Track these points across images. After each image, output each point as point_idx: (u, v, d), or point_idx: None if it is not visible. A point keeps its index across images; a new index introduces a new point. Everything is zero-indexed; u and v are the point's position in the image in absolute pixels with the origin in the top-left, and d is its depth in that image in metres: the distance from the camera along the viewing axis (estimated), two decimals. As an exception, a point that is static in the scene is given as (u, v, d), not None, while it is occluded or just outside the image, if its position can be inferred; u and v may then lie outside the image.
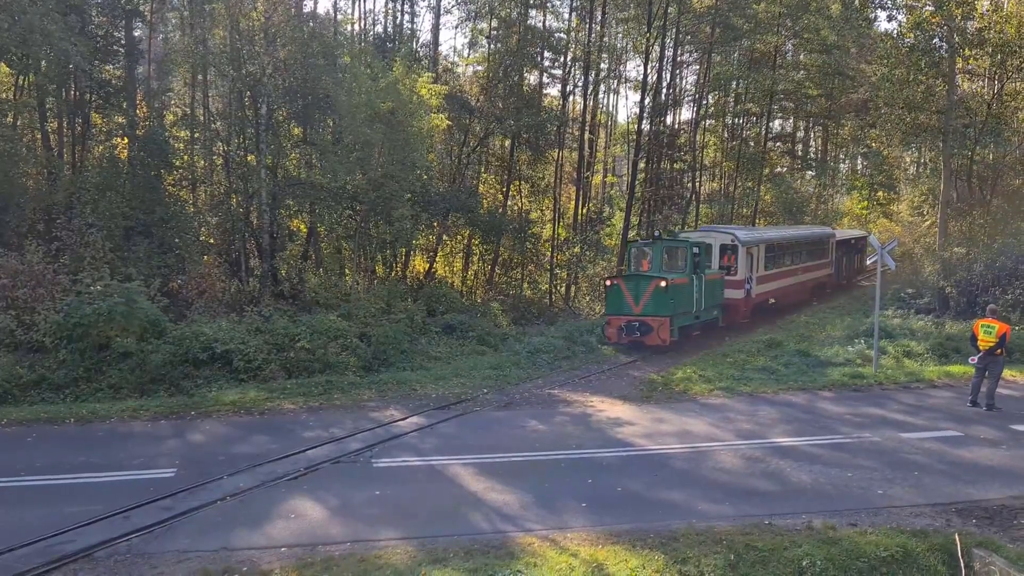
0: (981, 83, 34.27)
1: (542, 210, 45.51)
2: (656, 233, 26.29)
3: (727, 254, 28.45)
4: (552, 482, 12.47)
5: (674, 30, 42.60)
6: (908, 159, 46.54)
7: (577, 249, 39.80)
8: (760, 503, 11.78)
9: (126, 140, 27.52)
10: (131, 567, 9.51)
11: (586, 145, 44.92)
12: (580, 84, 44.36)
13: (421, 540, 10.27)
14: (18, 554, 9.73)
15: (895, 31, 32.11)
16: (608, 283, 24.96)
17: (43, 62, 23.37)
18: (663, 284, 23.09)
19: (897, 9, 34.18)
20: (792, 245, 33.62)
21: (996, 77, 31.39)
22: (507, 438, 14.95)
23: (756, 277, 29.25)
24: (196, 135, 30.39)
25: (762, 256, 29.68)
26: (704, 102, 49.81)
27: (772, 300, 31.48)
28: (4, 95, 26.19)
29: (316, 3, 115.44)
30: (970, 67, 31.92)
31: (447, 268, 38.48)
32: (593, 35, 42.31)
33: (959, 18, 28.62)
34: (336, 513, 11.18)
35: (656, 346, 23.53)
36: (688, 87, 53.32)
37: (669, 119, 47.87)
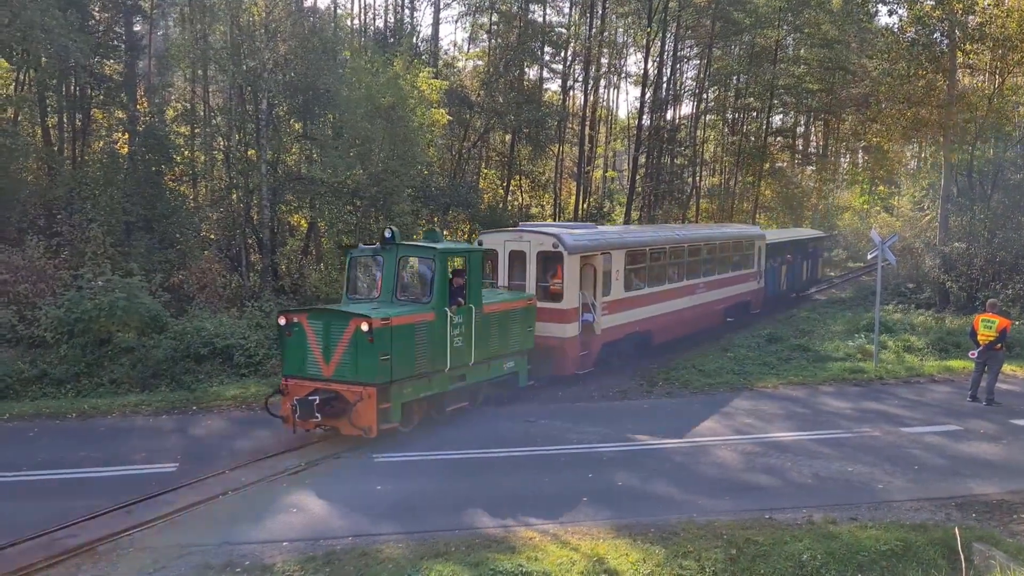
0: (982, 78, 34.24)
1: (542, 205, 45.54)
2: (387, 234, 14.95)
3: (551, 267, 18.57)
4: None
5: (674, 24, 42.57)
6: (908, 154, 46.46)
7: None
8: (760, 498, 11.81)
9: (127, 135, 27.54)
10: (134, 561, 9.55)
11: (586, 140, 44.92)
12: (580, 79, 44.40)
13: (422, 535, 10.30)
14: (21, 548, 9.76)
15: (896, 25, 32.00)
16: (282, 322, 14.14)
17: (43, 58, 23.36)
18: (365, 328, 13.12)
19: (898, 3, 33.92)
20: (679, 252, 23.41)
21: (997, 72, 31.35)
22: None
23: (607, 302, 19.40)
24: (196, 130, 30.36)
25: (618, 269, 19.84)
26: (704, 97, 49.76)
27: (645, 333, 21.56)
28: (5, 90, 26.18)
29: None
30: (971, 62, 31.87)
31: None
32: (593, 30, 42.27)
33: (960, 13, 28.58)
34: (338, 508, 11.20)
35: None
36: (688, 82, 53.31)
37: (669, 114, 47.88)
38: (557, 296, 18.22)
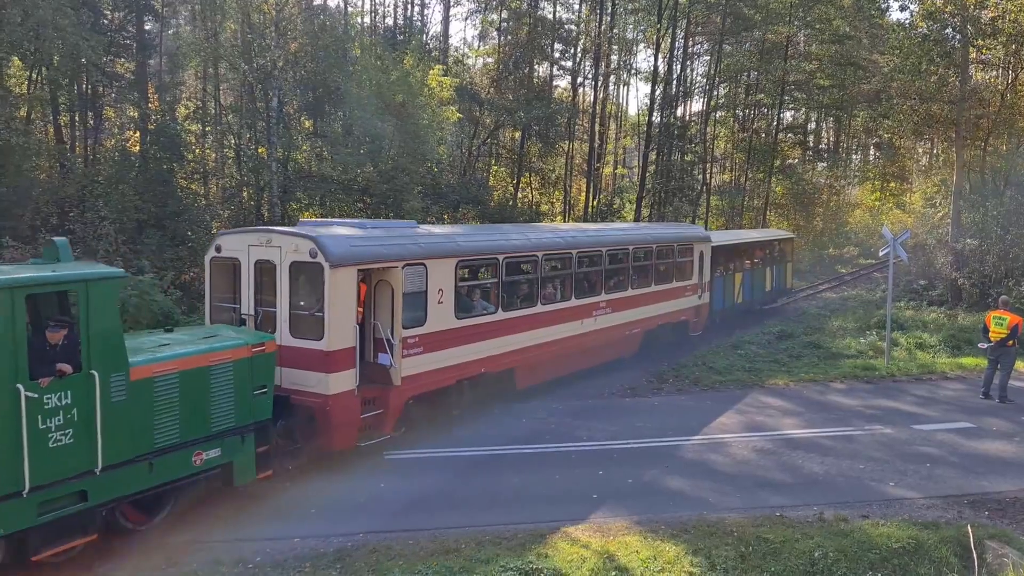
0: (994, 73, 34.01)
1: (552, 202, 45.50)
2: None
3: (310, 286, 12.67)
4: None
5: (685, 21, 42.42)
6: (921, 150, 46.20)
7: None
8: (771, 495, 11.79)
9: (138, 134, 27.64)
10: (145, 557, 9.58)
11: (596, 137, 44.83)
12: (590, 76, 44.31)
13: (432, 532, 10.33)
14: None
15: (907, 21, 31.89)
16: None
17: (55, 56, 23.47)
18: None
19: (910, -1, 33.85)
20: (564, 261, 18.02)
21: (1010, 67, 31.15)
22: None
23: (416, 337, 13.73)
24: (208, 128, 30.47)
25: (443, 288, 14.31)
26: (715, 93, 49.60)
27: (502, 374, 15.91)
28: (17, 89, 26.31)
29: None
30: (983, 57, 31.64)
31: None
32: (604, 26, 42.17)
33: (972, 7, 28.39)
34: (349, 505, 11.23)
35: None
36: (699, 78, 53.15)
37: (680, 110, 47.75)
38: (315, 330, 12.25)
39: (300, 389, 12.18)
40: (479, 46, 50.02)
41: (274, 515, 10.82)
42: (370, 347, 13.44)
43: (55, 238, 9.65)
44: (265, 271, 12.81)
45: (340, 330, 12.25)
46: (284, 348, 12.13)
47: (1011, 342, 17.09)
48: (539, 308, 16.68)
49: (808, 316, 29.39)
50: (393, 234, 14.01)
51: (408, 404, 13.66)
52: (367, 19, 44.33)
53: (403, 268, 13.31)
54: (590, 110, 45.49)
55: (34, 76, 25.96)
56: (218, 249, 13.33)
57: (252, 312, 12.93)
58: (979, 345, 17.74)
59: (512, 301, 16.24)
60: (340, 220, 15.22)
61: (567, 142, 43.19)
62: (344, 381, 12.36)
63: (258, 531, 10.30)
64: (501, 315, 15.62)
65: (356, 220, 15.72)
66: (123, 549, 9.61)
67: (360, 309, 13.09)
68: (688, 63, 48.47)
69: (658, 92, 41.60)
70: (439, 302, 14.12)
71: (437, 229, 16.65)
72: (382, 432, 13.13)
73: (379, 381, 13.23)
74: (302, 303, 12.50)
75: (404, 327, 13.28)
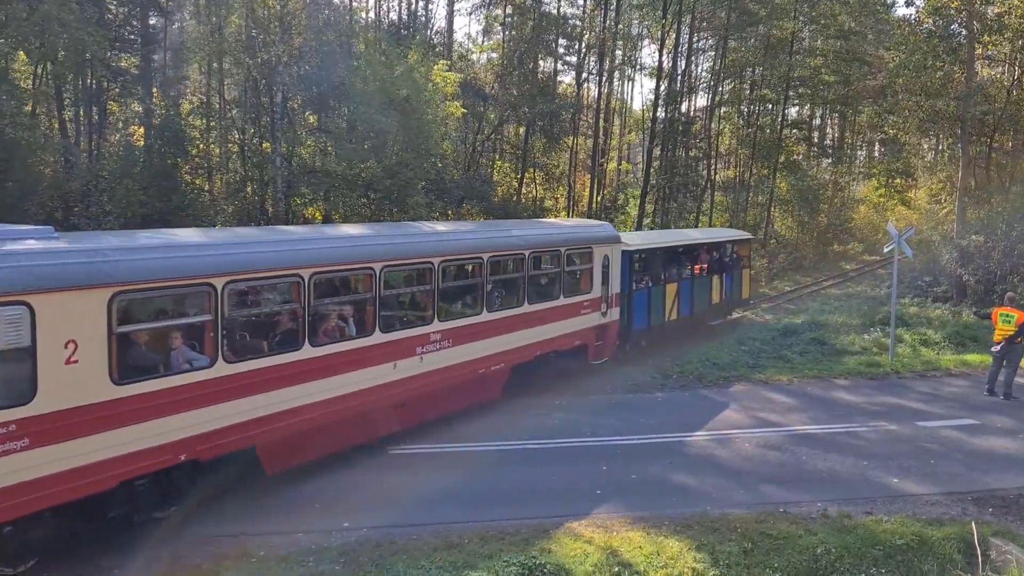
0: (1000, 69, 33.93)
1: (556, 198, 45.48)
2: None
3: None
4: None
5: (690, 16, 42.33)
6: (926, 146, 46.12)
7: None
8: (775, 491, 11.79)
9: (142, 128, 27.67)
10: (150, 551, 9.62)
11: (600, 132, 44.80)
12: (595, 71, 44.25)
13: (435, 527, 10.35)
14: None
15: (913, 16, 31.79)
16: None
17: (60, 51, 23.51)
18: None
19: (915, -6, 33.75)
20: (344, 282, 13.16)
21: (1016, 63, 31.06)
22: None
23: (11, 424, 8.28)
24: (212, 123, 30.51)
25: (85, 334, 8.91)
26: (719, 89, 49.51)
27: (231, 456, 10.68)
28: (22, 84, 26.36)
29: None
30: (989, 53, 31.59)
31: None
32: (608, 21, 42.12)
33: (978, 3, 28.30)
34: (352, 500, 11.25)
35: None
36: (703, 74, 53.08)
37: (684, 106, 47.66)
38: None
39: None
40: (483, 41, 49.99)
41: (278, 510, 10.84)
42: None
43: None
44: None
45: None
46: None
47: (1019, 339, 17.03)
48: (307, 352, 11.38)
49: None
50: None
51: None
52: (371, 14, 44.34)
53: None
54: (594, 106, 45.47)
55: (39, 71, 26.01)
56: None
57: None
58: (992, 349, 17.62)
59: (252, 346, 11.30)
60: None
61: (571, 138, 43.18)
62: None
63: (262, 526, 10.32)
64: (223, 369, 10.34)
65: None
66: (128, 544, 9.64)
67: None
68: (693, 59, 48.42)
69: (662, 88, 41.54)
70: (69, 361, 8.72)
71: (84, 243, 9.57)
72: None
73: None
74: None
75: None
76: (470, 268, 15.02)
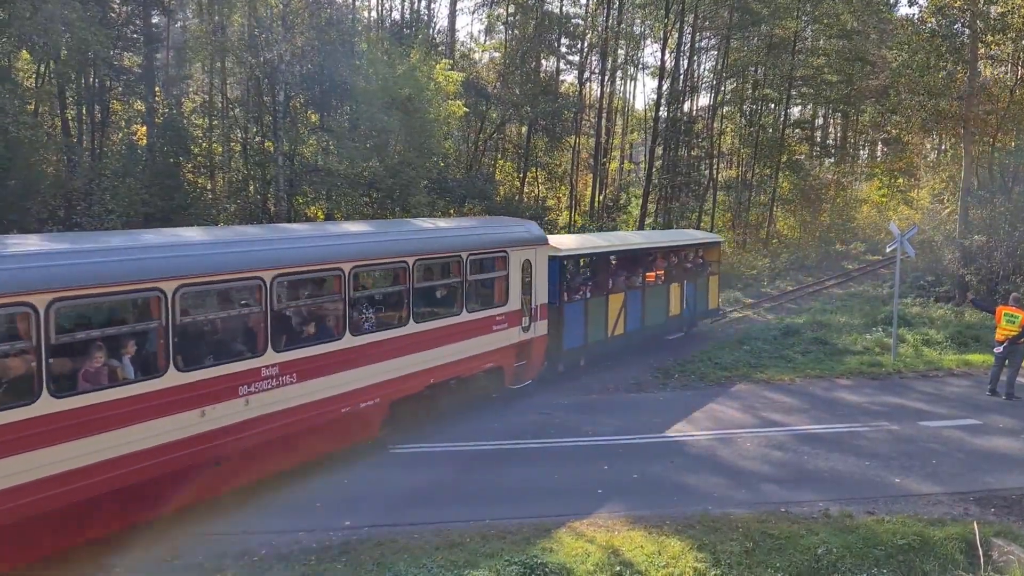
0: (1003, 69, 33.88)
1: (559, 197, 45.49)
2: None
3: None
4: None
5: (692, 16, 42.30)
6: (928, 146, 46.05)
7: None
8: (776, 490, 11.78)
9: (145, 127, 27.67)
10: (151, 548, 9.63)
11: (603, 132, 44.78)
12: (597, 70, 44.26)
13: (437, 526, 10.34)
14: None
15: (916, 16, 31.75)
16: None
17: (63, 50, 23.53)
18: None
19: (918, -7, 33.72)
20: (145, 303, 9.79)
21: (1019, 62, 31.01)
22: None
23: None
24: (214, 122, 30.52)
25: None
26: (722, 88, 49.48)
27: None
28: (25, 83, 26.38)
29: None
30: (992, 53, 31.51)
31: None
32: (610, 21, 42.10)
33: (981, 3, 28.26)
34: (353, 498, 11.26)
35: None
36: (706, 73, 53.02)
37: (687, 105, 47.63)
38: None
39: None
40: (485, 40, 49.97)
41: (279, 508, 10.85)
42: None
43: None
44: None
45: None
46: None
47: (1022, 340, 16.99)
48: (43, 406, 8.46)
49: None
50: None
51: None
52: (373, 13, 44.34)
53: None
54: (597, 105, 45.45)
55: (42, 70, 26.03)
56: None
57: None
58: (995, 350, 17.58)
59: None
60: None
61: (573, 137, 43.16)
62: None
63: (264, 524, 10.33)
64: None
65: None
66: (129, 541, 9.65)
67: None
68: (695, 58, 48.40)
69: (665, 87, 41.51)
70: None
71: None
72: None
73: None
74: None
75: None
76: (325, 283, 12.13)
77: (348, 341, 11.97)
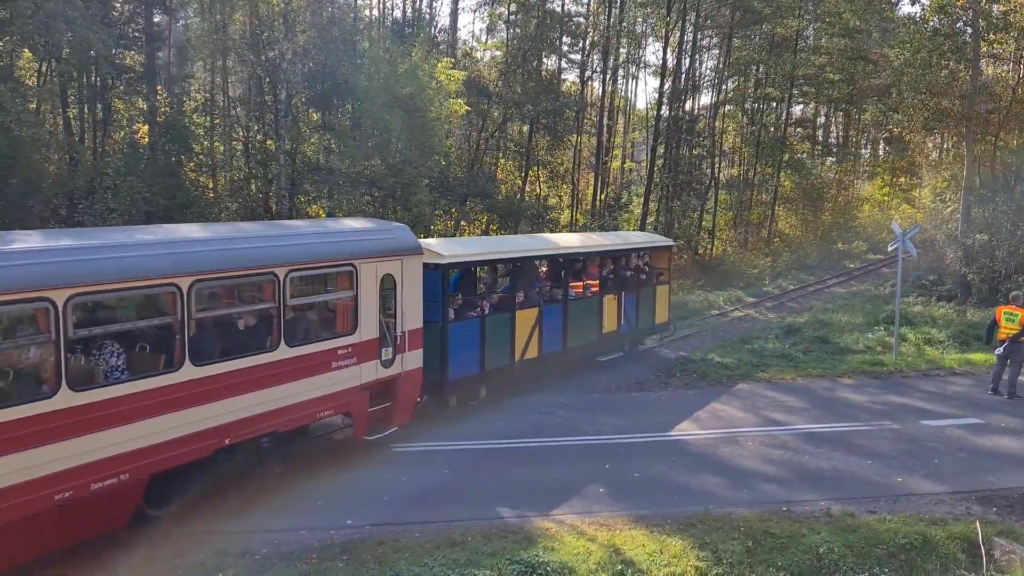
0: (1006, 67, 33.84)
1: (560, 196, 45.43)
2: None
3: None
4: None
5: (694, 14, 42.26)
6: (931, 144, 46.01)
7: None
8: (778, 489, 11.77)
9: (147, 126, 27.67)
10: (153, 547, 9.64)
11: (604, 131, 44.74)
12: (599, 69, 44.19)
13: (439, 525, 10.34)
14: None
15: (918, 15, 31.71)
16: None
17: (65, 49, 23.53)
18: None
19: (921, -8, 33.74)
20: None
21: (1021, 61, 30.97)
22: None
23: None
24: (216, 121, 30.51)
25: None
26: (723, 87, 49.43)
27: None
28: (27, 81, 26.39)
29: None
30: (994, 51, 31.48)
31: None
32: (612, 19, 42.06)
33: (983, 1, 28.23)
34: (356, 497, 11.26)
35: None
36: (708, 72, 52.98)
37: (688, 104, 47.59)
38: None
39: None
40: (487, 39, 49.94)
41: (281, 507, 10.86)
42: None
43: None
44: None
45: None
46: None
47: (1023, 338, 16.98)
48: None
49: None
50: None
51: None
52: (375, 11, 44.31)
53: None
54: (598, 104, 45.40)
55: (44, 69, 26.03)
56: None
57: None
58: (996, 352, 17.57)
59: None
60: None
61: (575, 136, 43.11)
62: None
63: (265, 523, 10.33)
64: None
65: None
66: (132, 539, 9.66)
67: None
68: (697, 57, 48.36)
69: (667, 86, 41.46)
70: None
71: None
72: None
73: None
74: None
75: None
76: (30, 318, 8.59)
77: (65, 399, 8.46)
